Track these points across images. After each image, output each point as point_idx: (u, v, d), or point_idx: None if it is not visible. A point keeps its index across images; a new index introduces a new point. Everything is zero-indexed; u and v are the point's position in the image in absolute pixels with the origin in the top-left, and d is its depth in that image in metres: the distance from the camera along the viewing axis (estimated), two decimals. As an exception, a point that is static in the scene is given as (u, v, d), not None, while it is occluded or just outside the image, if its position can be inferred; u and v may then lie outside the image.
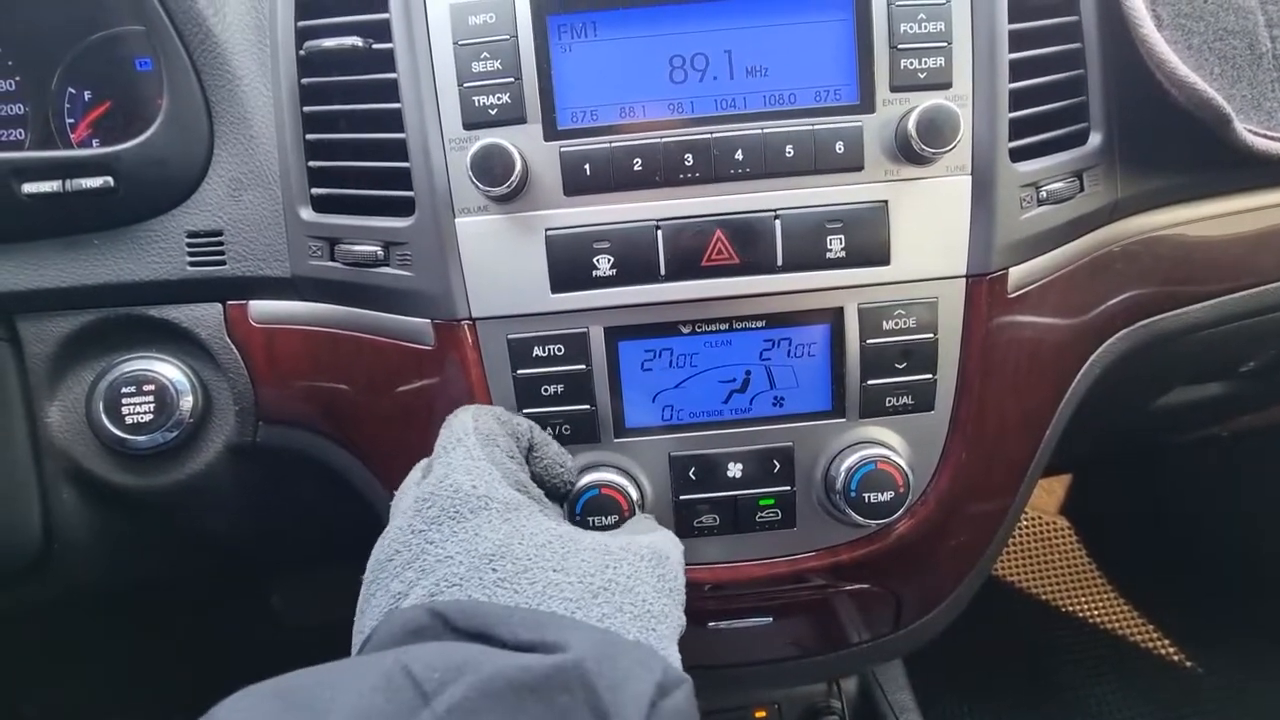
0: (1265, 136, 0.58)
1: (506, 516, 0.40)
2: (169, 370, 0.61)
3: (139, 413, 0.61)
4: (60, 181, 0.56)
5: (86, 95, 0.69)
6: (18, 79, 0.62)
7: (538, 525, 0.41)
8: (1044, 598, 1.44)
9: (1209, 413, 1.00)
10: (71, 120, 0.69)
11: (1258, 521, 1.30)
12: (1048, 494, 1.62)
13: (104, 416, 0.60)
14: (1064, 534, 1.54)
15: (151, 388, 0.60)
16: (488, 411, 0.48)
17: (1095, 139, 0.57)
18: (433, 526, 0.40)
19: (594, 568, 0.39)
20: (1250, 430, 1.16)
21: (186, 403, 0.61)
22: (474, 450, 0.43)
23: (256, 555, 0.97)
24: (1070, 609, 1.41)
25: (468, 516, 0.40)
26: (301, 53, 0.55)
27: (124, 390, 0.60)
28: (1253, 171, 0.60)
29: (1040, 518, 1.56)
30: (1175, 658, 1.33)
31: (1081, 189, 0.57)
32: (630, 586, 0.39)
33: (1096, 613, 1.43)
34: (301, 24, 0.55)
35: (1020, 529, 1.55)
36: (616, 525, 0.54)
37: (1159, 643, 1.35)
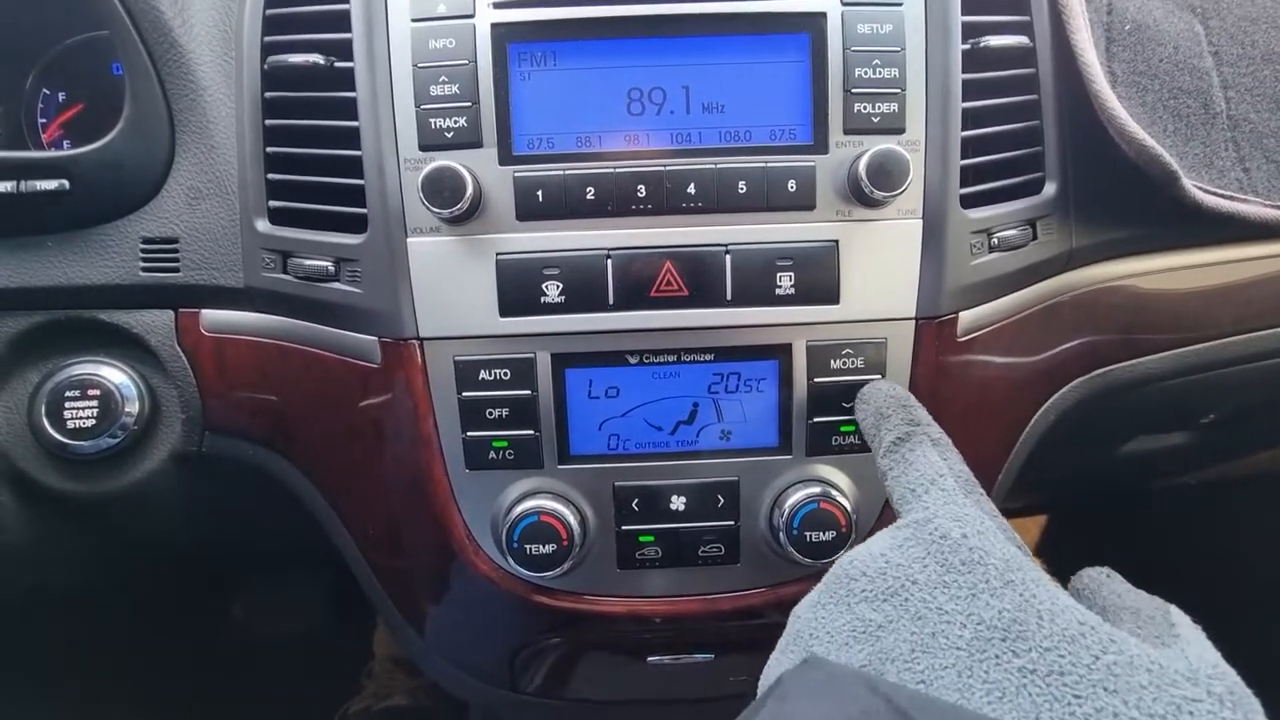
0: (1215, 194, 0.59)
1: (1008, 579, 0.32)
2: (115, 375, 0.60)
3: (82, 417, 0.60)
4: (15, 182, 0.56)
5: (61, 96, 0.69)
6: (-11, 77, 0.62)
7: (1055, 601, 0.32)
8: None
9: (1174, 462, 1.00)
10: (44, 120, 0.70)
11: (1228, 572, 1.29)
12: (1022, 534, 1.61)
13: (45, 420, 0.59)
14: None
15: (96, 392, 0.60)
16: (952, 448, 0.42)
17: (1050, 189, 0.58)
18: (916, 564, 0.33)
19: (1160, 703, 0.28)
20: (1219, 481, 1.16)
21: (132, 409, 0.60)
22: (955, 494, 0.38)
23: (206, 565, 0.95)
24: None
25: (959, 570, 0.33)
26: (266, 67, 0.55)
27: (68, 394, 0.59)
28: (1207, 228, 0.61)
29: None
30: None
31: (1035, 237, 0.58)
32: None
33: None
34: (268, 39, 0.56)
35: (993, 569, 1.54)
36: (555, 555, 0.53)
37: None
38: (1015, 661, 0.30)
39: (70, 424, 0.59)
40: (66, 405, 0.59)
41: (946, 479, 0.39)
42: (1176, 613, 0.35)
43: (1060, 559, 1.53)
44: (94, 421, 0.60)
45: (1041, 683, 0.29)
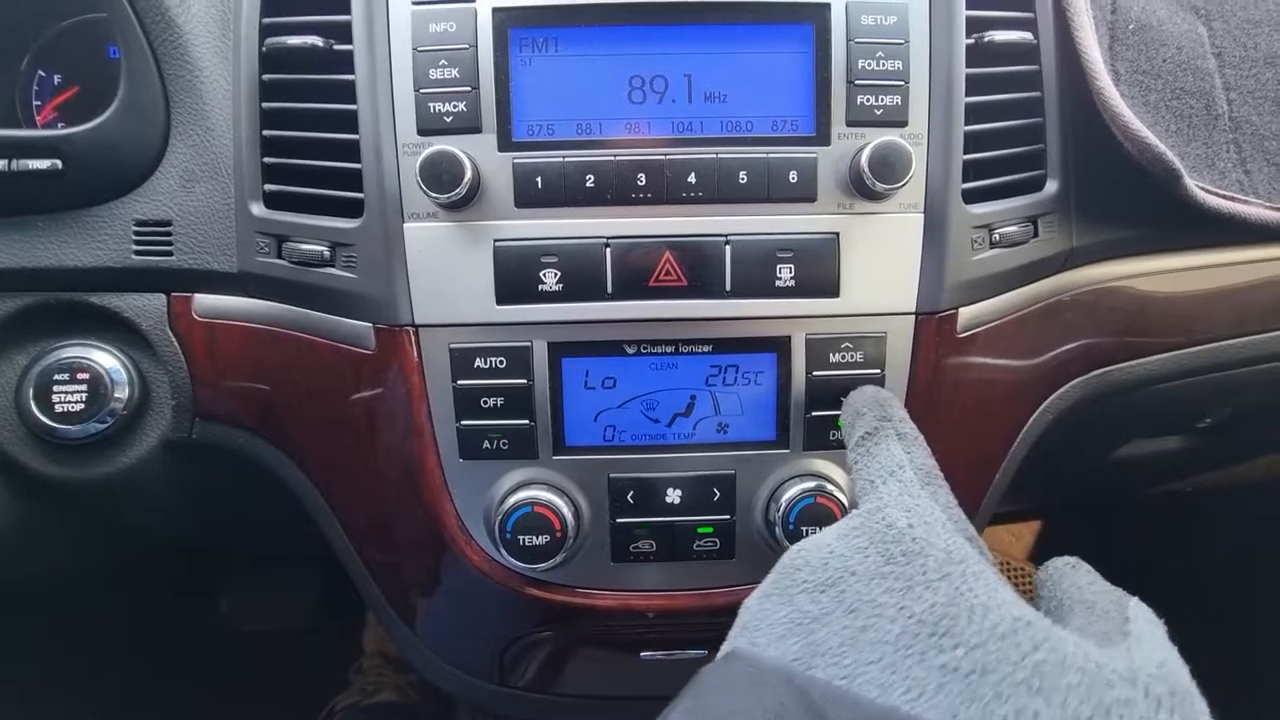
0: (1217, 195, 0.58)
1: (945, 572, 0.32)
2: (105, 359, 0.59)
3: (70, 401, 0.59)
4: (6, 161, 0.55)
5: (56, 79, 0.68)
6: (-19, 58, 0.62)
7: (991, 596, 0.30)
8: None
9: (1169, 466, 1.00)
10: (38, 103, 0.69)
11: (1223, 579, 1.29)
12: (1015, 539, 1.61)
13: (33, 403, 0.58)
14: (1031, 580, 1.54)
15: (85, 376, 0.59)
16: (919, 442, 0.42)
17: (1051, 186, 0.58)
18: (857, 555, 0.34)
19: (1088, 704, 0.27)
20: (1214, 487, 1.17)
21: (121, 394, 0.59)
22: (911, 486, 0.37)
23: (194, 557, 0.94)
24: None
25: (899, 560, 0.33)
26: (264, 49, 0.55)
27: (56, 377, 0.59)
28: (1207, 229, 0.61)
29: (1008, 563, 1.56)
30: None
31: (1036, 235, 0.58)
32: None
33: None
34: (266, 20, 0.55)
35: (987, 573, 1.54)
36: (548, 547, 0.52)
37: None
38: (938, 659, 0.29)
39: (58, 408, 0.59)
40: (55, 389, 0.59)
41: (905, 470, 0.39)
42: (1135, 607, 0.34)
43: (1054, 564, 1.53)
44: (82, 406, 0.59)
45: (962, 681, 0.28)
